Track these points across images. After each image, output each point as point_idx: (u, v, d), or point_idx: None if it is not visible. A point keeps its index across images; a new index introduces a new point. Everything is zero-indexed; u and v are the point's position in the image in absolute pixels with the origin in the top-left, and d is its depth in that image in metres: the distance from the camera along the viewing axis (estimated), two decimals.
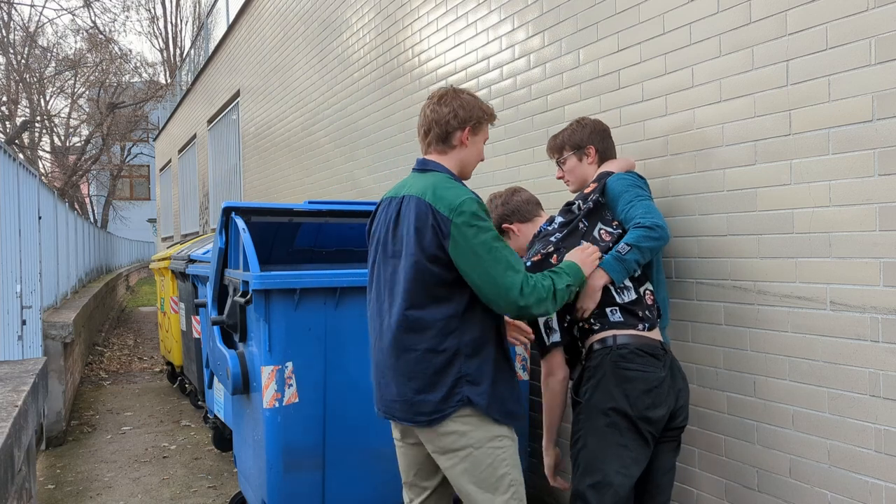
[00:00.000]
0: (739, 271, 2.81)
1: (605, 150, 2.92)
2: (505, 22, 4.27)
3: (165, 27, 33.45)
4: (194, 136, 16.42)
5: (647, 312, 2.57)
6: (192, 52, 19.07)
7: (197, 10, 31.40)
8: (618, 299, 2.55)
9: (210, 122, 14.25)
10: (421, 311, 2.26)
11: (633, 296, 2.57)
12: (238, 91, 11.51)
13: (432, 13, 5.14)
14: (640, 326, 2.53)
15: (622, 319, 2.54)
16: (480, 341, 2.31)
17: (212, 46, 14.62)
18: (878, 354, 2.34)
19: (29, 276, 5.20)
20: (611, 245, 2.61)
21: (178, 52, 32.41)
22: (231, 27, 11.97)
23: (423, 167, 2.44)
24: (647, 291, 2.62)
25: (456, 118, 2.40)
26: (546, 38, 3.91)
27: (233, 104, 12.13)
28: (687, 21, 3.00)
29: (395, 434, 2.53)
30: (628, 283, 2.58)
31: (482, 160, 2.55)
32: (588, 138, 2.89)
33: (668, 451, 2.61)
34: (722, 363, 2.90)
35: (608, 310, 2.55)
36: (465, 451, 2.30)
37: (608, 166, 2.84)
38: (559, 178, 2.99)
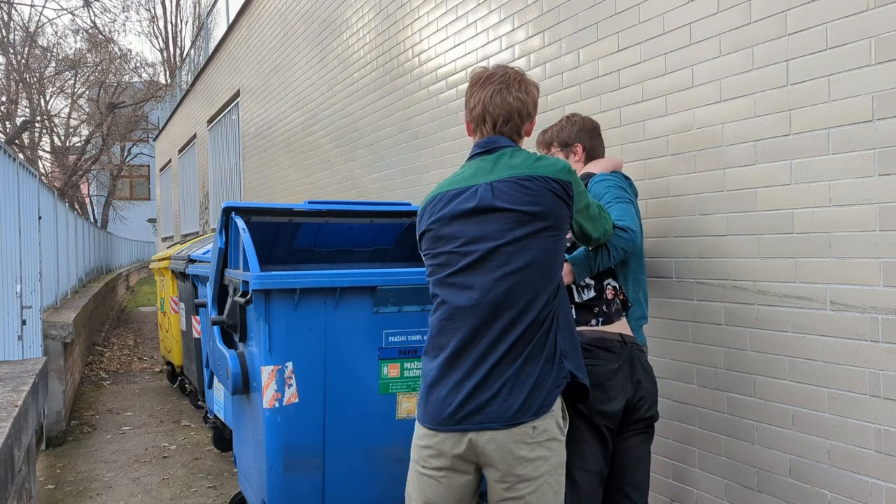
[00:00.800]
0: (739, 271, 2.81)
1: (593, 149, 2.88)
2: (505, 22, 4.27)
3: (165, 27, 33.46)
4: (194, 136, 16.42)
5: (603, 307, 2.54)
6: (192, 52, 19.08)
7: (197, 10, 31.41)
8: (577, 298, 2.52)
9: (210, 122, 14.25)
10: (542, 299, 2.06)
11: (592, 293, 2.54)
12: (238, 91, 11.51)
13: (432, 13, 5.14)
14: (594, 322, 2.50)
15: (575, 317, 2.48)
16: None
17: (212, 46, 14.62)
18: (878, 354, 2.34)
19: (29, 276, 5.20)
20: None
21: (178, 52, 32.42)
22: (231, 27, 11.97)
23: (495, 144, 2.15)
24: (609, 286, 2.57)
25: (534, 108, 2.20)
26: (546, 38, 3.91)
27: (233, 104, 12.13)
28: (687, 21, 3.00)
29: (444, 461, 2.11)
30: (589, 280, 2.55)
31: None
32: (576, 136, 2.84)
33: (637, 443, 2.52)
34: (722, 363, 2.90)
35: None
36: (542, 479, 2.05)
37: (592, 167, 2.82)
38: None
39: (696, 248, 2.99)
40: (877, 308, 2.34)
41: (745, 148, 2.77)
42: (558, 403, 2.08)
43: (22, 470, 2.49)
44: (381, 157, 6.04)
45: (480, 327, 2.05)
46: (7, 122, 22.35)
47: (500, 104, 2.13)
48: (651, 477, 3.26)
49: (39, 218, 5.86)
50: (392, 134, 5.82)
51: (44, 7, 36.20)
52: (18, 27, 21.44)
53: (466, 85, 4.69)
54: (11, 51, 21.31)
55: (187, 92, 17.33)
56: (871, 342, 2.36)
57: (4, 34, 21.24)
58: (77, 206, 26.42)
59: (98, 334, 11.28)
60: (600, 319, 2.50)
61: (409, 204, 4.25)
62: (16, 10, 21.02)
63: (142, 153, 30.96)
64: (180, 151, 18.79)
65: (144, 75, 27.69)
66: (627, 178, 2.79)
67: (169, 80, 28.26)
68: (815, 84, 2.51)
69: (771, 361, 2.70)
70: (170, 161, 20.82)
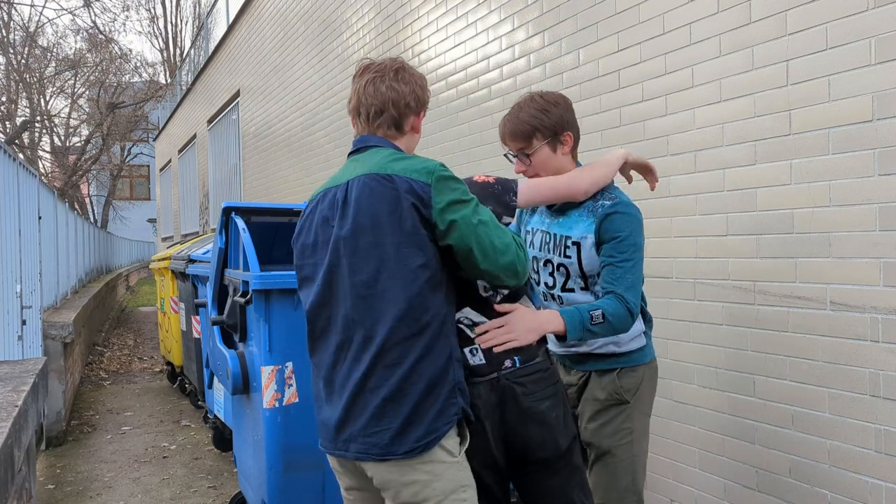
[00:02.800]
0: (739, 271, 2.81)
1: (578, 137, 2.38)
2: (505, 22, 4.27)
3: (165, 27, 33.45)
4: (194, 136, 16.42)
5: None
6: (192, 52, 19.08)
7: (197, 10, 31.40)
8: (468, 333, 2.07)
9: (210, 122, 14.25)
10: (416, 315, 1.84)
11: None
12: (238, 91, 11.51)
13: (432, 13, 5.14)
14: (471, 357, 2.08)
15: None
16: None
17: (212, 46, 14.62)
18: (878, 354, 2.34)
19: (29, 276, 5.20)
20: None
21: (178, 52, 32.41)
22: (231, 27, 11.97)
23: (364, 144, 1.98)
24: None
25: (416, 99, 1.98)
26: (546, 38, 3.91)
27: (233, 104, 12.13)
28: (687, 21, 3.00)
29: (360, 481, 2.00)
30: (478, 316, 2.06)
31: None
32: (565, 122, 2.29)
33: (538, 479, 2.09)
34: (722, 363, 2.90)
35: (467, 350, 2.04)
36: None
37: (598, 170, 2.28)
38: (521, 172, 2.36)
39: (696, 248, 2.99)
40: (877, 308, 2.34)
41: (745, 148, 2.77)
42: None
43: (22, 470, 2.49)
44: None
45: (342, 346, 1.89)
46: (7, 122, 22.35)
47: (373, 94, 1.96)
48: (651, 477, 3.26)
49: (39, 218, 5.86)
50: None
51: (44, 7, 36.20)
52: (18, 27, 21.45)
53: (466, 85, 4.70)
54: (11, 51, 21.30)
55: (187, 92, 17.33)
56: (871, 342, 2.36)
57: (4, 34, 21.24)
58: (77, 206, 26.42)
59: (98, 334, 11.28)
60: (517, 359, 2.05)
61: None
62: (16, 10, 21.02)
63: (142, 153, 30.96)
64: (180, 151, 18.79)
65: (144, 75, 27.71)
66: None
67: (169, 80, 28.26)
68: (815, 84, 2.51)
69: (771, 361, 2.70)
70: (170, 161, 20.82)
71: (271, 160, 9.45)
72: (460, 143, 4.76)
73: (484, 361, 2.00)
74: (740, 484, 2.84)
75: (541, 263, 2.37)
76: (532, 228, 2.44)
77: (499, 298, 2.05)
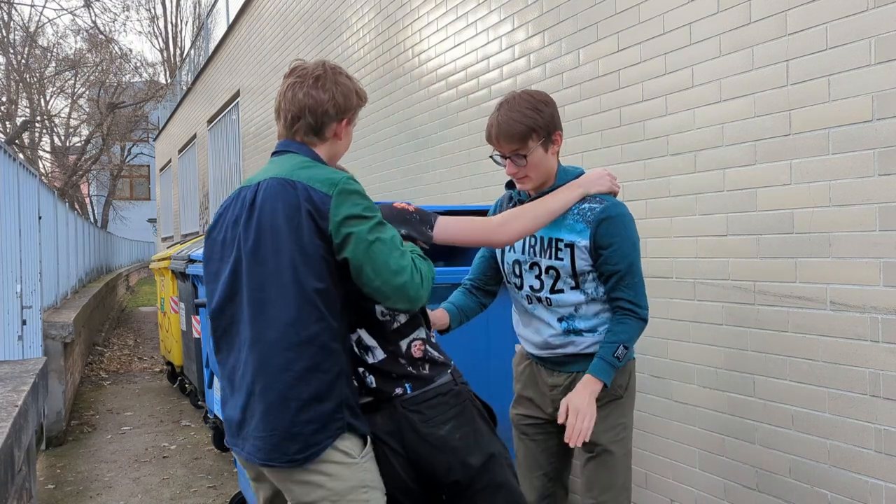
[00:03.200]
0: (739, 271, 2.81)
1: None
2: (505, 22, 4.27)
3: (165, 27, 33.45)
4: (194, 136, 16.43)
5: (409, 370, 2.01)
6: (192, 52, 19.08)
7: (197, 10, 31.39)
8: (369, 360, 2.02)
9: (210, 122, 14.25)
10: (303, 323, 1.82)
11: (382, 355, 2.01)
12: (238, 91, 11.52)
13: (432, 13, 5.14)
14: (400, 391, 2.03)
15: (375, 386, 2.03)
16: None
17: (212, 46, 14.62)
18: (878, 354, 2.34)
19: (29, 276, 5.20)
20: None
21: (178, 52, 32.40)
22: (231, 27, 11.97)
23: (284, 149, 1.98)
24: (416, 343, 2.04)
25: (335, 107, 1.95)
26: (546, 38, 3.91)
27: (233, 104, 12.14)
28: (687, 21, 3.00)
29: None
30: (370, 340, 2.01)
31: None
32: (556, 121, 2.27)
33: (462, 502, 2.03)
34: (722, 363, 2.90)
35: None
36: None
37: (540, 215, 2.18)
38: (513, 175, 2.31)
39: (696, 248, 2.99)
40: (877, 308, 2.34)
41: (745, 148, 2.77)
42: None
43: (22, 470, 2.49)
44: (381, 157, 6.04)
45: (240, 347, 1.89)
46: (7, 122, 22.35)
47: (291, 100, 1.95)
48: (651, 477, 3.26)
49: (39, 218, 5.86)
50: (392, 134, 5.82)
51: (44, 7, 36.21)
52: (18, 27, 21.45)
53: (466, 85, 4.70)
54: (11, 51, 21.30)
55: (187, 92, 17.33)
56: (871, 342, 2.36)
57: (4, 34, 21.24)
58: (77, 206, 26.41)
59: (98, 334, 11.28)
60: (408, 386, 2.00)
61: (409, 204, 4.25)
62: (16, 10, 21.02)
63: (142, 153, 30.96)
64: (180, 151, 18.80)
65: (144, 75, 27.71)
66: None
67: (169, 80, 28.26)
68: (815, 84, 2.51)
69: (771, 361, 2.70)
70: (170, 161, 20.82)
71: None
72: (460, 143, 4.76)
73: (376, 386, 2.00)
74: (740, 484, 2.84)
75: (525, 267, 2.34)
76: None
77: (395, 325, 2.01)
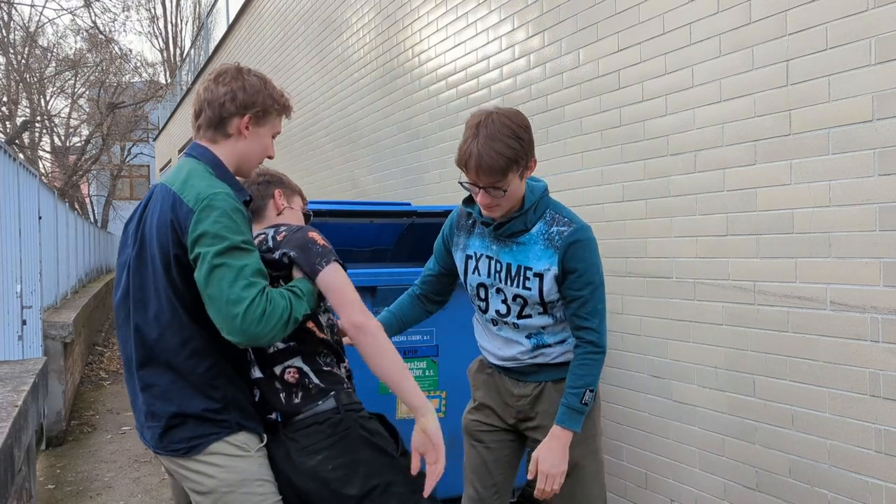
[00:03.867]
0: (739, 271, 2.81)
1: None
2: (505, 22, 4.27)
3: (165, 27, 33.44)
4: None
5: (282, 397, 1.99)
6: (192, 52, 19.08)
7: (197, 10, 31.38)
8: (251, 374, 2.02)
9: None
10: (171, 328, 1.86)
11: (259, 374, 2.01)
12: None
13: (432, 13, 5.14)
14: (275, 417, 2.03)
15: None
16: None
17: (212, 46, 14.62)
18: (878, 354, 2.34)
19: (29, 276, 5.20)
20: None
21: (178, 52, 32.40)
22: (231, 27, 11.97)
23: (189, 151, 2.00)
24: (290, 370, 2.00)
25: (234, 101, 1.95)
26: (546, 38, 3.91)
27: None
28: (687, 21, 3.00)
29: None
30: (252, 356, 2.01)
31: (270, 157, 2.14)
32: (533, 147, 2.13)
33: None
34: (722, 363, 2.90)
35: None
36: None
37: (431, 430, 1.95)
38: (485, 205, 2.14)
39: (696, 248, 2.99)
40: (877, 308, 2.34)
41: (745, 148, 2.77)
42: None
43: (22, 470, 2.49)
44: (381, 157, 6.03)
45: (132, 340, 1.95)
46: (7, 122, 22.35)
47: (195, 98, 2.01)
48: (651, 477, 3.26)
49: (39, 218, 5.86)
50: (392, 134, 5.82)
51: (44, 7, 36.20)
52: (18, 27, 21.44)
53: (466, 85, 4.70)
54: (11, 51, 21.30)
55: (187, 92, 17.33)
56: (871, 342, 2.36)
57: (4, 34, 21.23)
58: (77, 206, 26.41)
59: (98, 334, 11.28)
60: (277, 415, 1.99)
61: (409, 204, 4.25)
62: (16, 10, 21.01)
63: (142, 153, 30.94)
64: (180, 151, 18.79)
65: (144, 75, 27.70)
66: None
67: (169, 80, 28.25)
68: (815, 84, 2.51)
69: (771, 361, 2.70)
70: (170, 161, 20.82)
71: (271, 160, 9.45)
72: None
73: (258, 400, 2.01)
74: (740, 484, 2.84)
75: (491, 291, 2.26)
76: (474, 253, 2.29)
77: (272, 349, 1.99)
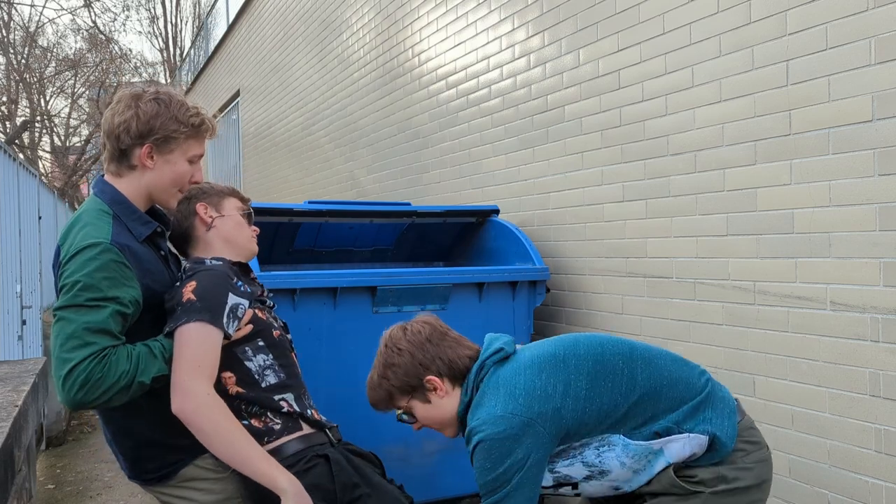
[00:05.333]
0: (739, 271, 2.81)
1: (451, 365, 1.92)
2: (505, 22, 4.27)
3: (165, 27, 33.44)
4: None
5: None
6: (192, 52, 19.07)
7: (197, 10, 31.38)
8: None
9: None
10: None
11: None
12: (238, 91, 11.51)
13: (432, 13, 5.14)
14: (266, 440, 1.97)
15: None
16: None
17: (212, 46, 14.62)
18: (878, 354, 2.34)
19: (29, 276, 5.20)
20: None
21: (178, 52, 32.40)
22: (231, 27, 11.97)
23: (93, 186, 1.92)
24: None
25: (128, 132, 1.81)
26: (546, 38, 3.91)
27: (233, 104, 12.13)
28: (687, 21, 3.00)
29: None
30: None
31: (196, 182, 1.97)
32: (419, 367, 1.91)
33: None
34: (722, 363, 2.90)
35: None
36: None
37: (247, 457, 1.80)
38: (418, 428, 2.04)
39: (696, 248, 2.99)
40: (877, 308, 2.34)
41: (745, 148, 2.77)
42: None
43: (22, 470, 2.49)
44: (381, 157, 6.03)
45: None
46: (7, 122, 22.35)
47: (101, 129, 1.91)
48: None
49: (39, 218, 5.86)
50: (392, 134, 5.82)
51: (44, 7, 36.20)
52: (18, 27, 21.45)
53: (466, 85, 4.70)
54: (11, 51, 21.30)
55: (187, 92, 17.32)
56: (871, 342, 2.36)
57: (4, 34, 21.24)
58: (77, 206, 26.40)
59: None
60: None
61: (408, 204, 4.25)
62: (16, 10, 21.02)
63: None
64: None
65: (144, 75, 27.69)
66: None
67: (169, 80, 28.25)
68: (815, 84, 2.51)
69: (771, 361, 2.70)
70: None
71: (271, 160, 9.45)
72: (461, 143, 4.76)
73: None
74: None
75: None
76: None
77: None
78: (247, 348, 1.92)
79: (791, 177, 2.60)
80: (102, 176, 1.92)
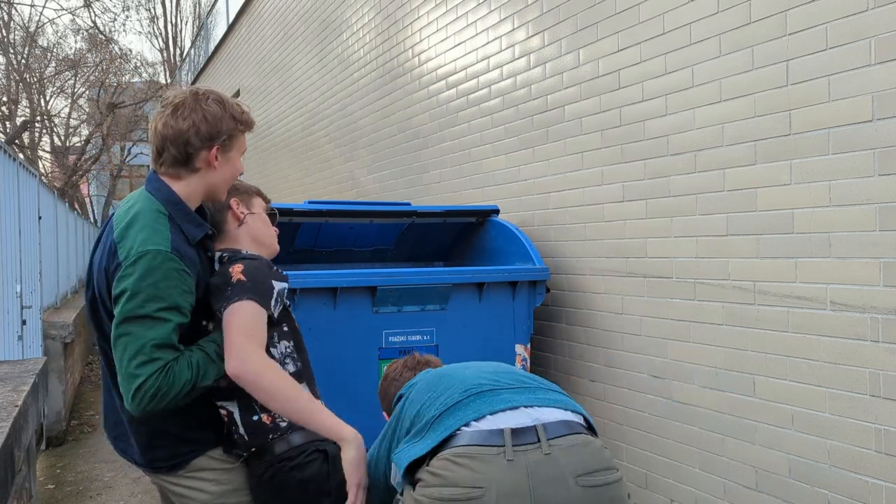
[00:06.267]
0: (739, 271, 2.81)
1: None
2: (505, 22, 4.27)
3: (165, 27, 33.43)
4: None
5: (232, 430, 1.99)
6: (192, 52, 19.08)
7: (197, 10, 31.38)
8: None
9: None
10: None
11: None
12: (238, 91, 11.51)
13: (432, 13, 5.14)
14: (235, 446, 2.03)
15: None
16: None
17: (212, 46, 14.62)
18: (878, 354, 2.34)
19: (29, 276, 5.20)
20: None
21: (178, 52, 32.39)
22: (231, 27, 11.97)
23: (147, 184, 1.92)
24: (223, 409, 1.98)
25: (198, 135, 1.84)
26: (546, 38, 3.91)
27: None
28: (687, 21, 3.00)
29: None
30: None
31: (241, 173, 2.04)
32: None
33: None
34: (722, 363, 2.90)
35: None
36: None
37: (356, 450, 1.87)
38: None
39: (696, 248, 2.99)
40: (877, 308, 2.34)
41: (745, 148, 2.77)
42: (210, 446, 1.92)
43: (22, 470, 2.50)
44: (381, 157, 6.03)
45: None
46: (7, 122, 22.34)
47: (154, 133, 1.91)
48: (651, 477, 3.26)
49: (39, 218, 5.86)
50: (392, 134, 5.82)
51: (44, 7, 36.19)
52: (18, 27, 21.44)
53: (466, 85, 4.70)
54: (11, 51, 21.30)
55: None
56: (871, 342, 2.36)
57: (4, 34, 21.23)
58: (77, 206, 26.40)
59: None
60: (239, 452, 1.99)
61: (408, 204, 4.25)
62: (16, 10, 21.02)
63: (142, 153, 30.89)
64: None
65: (144, 75, 27.68)
66: None
67: (169, 80, 28.24)
68: (815, 84, 2.51)
69: (771, 361, 2.70)
70: None
71: (271, 160, 9.45)
72: (461, 143, 4.76)
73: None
74: (740, 484, 2.84)
75: None
76: None
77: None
78: (274, 333, 1.97)
79: (791, 177, 2.60)
80: (155, 172, 1.92)
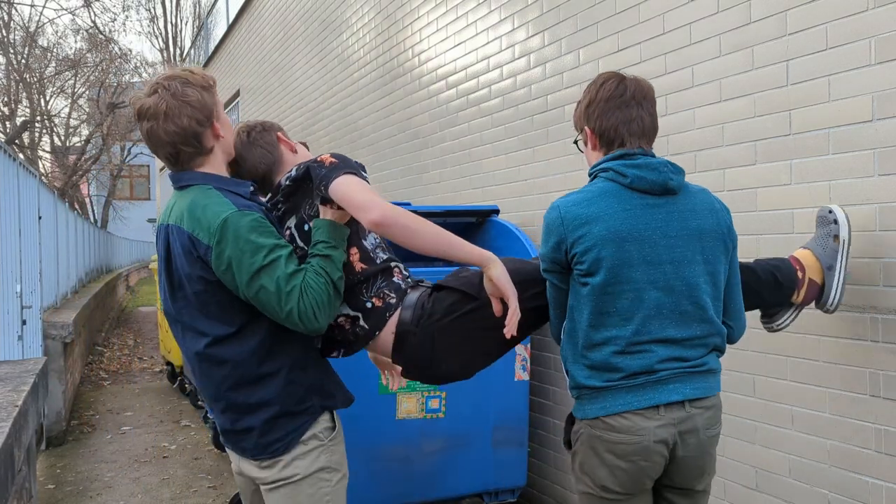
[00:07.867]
0: None
1: (606, 132, 2.33)
2: (505, 22, 4.27)
3: (165, 27, 33.44)
4: None
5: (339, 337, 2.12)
6: (192, 52, 19.09)
7: (197, 10, 31.38)
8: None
9: None
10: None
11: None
12: (238, 91, 11.52)
13: (432, 13, 5.14)
14: (336, 353, 2.17)
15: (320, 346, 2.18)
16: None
17: (212, 46, 14.62)
18: (878, 354, 2.34)
19: (29, 275, 5.20)
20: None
21: (178, 52, 32.41)
22: (231, 27, 11.97)
23: (182, 183, 1.99)
24: (340, 318, 2.10)
25: (198, 121, 1.93)
26: (546, 38, 3.91)
27: (233, 104, 12.13)
28: (687, 21, 3.00)
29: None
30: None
31: None
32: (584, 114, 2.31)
33: None
34: (722, 363, 2.90)
35: None
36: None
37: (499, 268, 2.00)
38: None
39: None
40: (877, 308, 2.34)
41: (745, 148, 2.77)
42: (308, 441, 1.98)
43: (22, 470, 2.50)
44: (381, 156, 6.03)
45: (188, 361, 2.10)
46: (7, 122, 22.34)
47: (159, 142, 1.96)
48: None
49: (39, 218, 5.86)
50: (392, 134, 5.82)
51: (44, 7, 36.20)
52: (18, 27, 21.44)
53: (466, 85, 4.70)
54: (11, 51, 21.30)
55: None
56: (871, 342, 2.36)
57: (4, 34, 21.23)
58: (77, 206, 26.40)
59: (98, 334, 11.28)
60: (342, 349, 2.14)
61: (408, 204, 4.24)
62: (16, 10, 21.02)
63: (142, 153, 30.93)
64: None
65: (144, 75, 27.67)
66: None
67: None
68: (815, 84, 2.51)
69: (771, 361, 2.70)
70: None
71: None
72: (461, 143, 4.76)
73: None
74: (740, 483, 2.84)
75: None
76: None
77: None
78: (360, 226, 2.05)
79: (791, 177, 2.60)
80: (181, 173, 2.01)
